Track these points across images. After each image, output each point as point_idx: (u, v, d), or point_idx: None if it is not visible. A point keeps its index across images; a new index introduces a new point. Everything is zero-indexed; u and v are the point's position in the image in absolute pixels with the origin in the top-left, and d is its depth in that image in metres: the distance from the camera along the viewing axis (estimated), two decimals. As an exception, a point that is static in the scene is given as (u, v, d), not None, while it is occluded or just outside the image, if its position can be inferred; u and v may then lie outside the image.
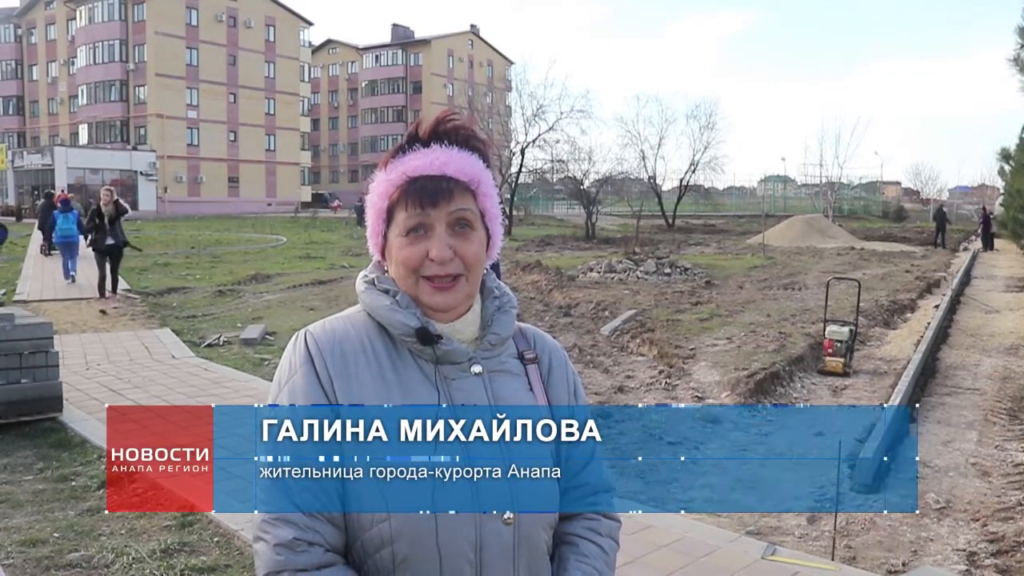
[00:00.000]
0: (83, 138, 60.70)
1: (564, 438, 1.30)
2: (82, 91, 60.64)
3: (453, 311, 1.24)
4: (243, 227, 38.93)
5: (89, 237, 12.74)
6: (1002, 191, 30.20)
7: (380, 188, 1.25)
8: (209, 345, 9.64)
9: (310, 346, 1.20)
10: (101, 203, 12.55)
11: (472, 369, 1.23)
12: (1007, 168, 22.55)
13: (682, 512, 4.84)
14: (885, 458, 5.94)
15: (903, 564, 4.34)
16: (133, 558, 3.76)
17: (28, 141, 67.26)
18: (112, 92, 59.25)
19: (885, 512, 5.05)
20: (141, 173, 55.60)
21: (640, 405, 7.47)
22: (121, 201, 13.14)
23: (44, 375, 6.04)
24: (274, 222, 44.04)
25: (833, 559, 4.16)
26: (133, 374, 7.87)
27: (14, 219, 40.45)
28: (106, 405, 7.15)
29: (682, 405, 7.37)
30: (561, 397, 1.33)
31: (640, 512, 4.61)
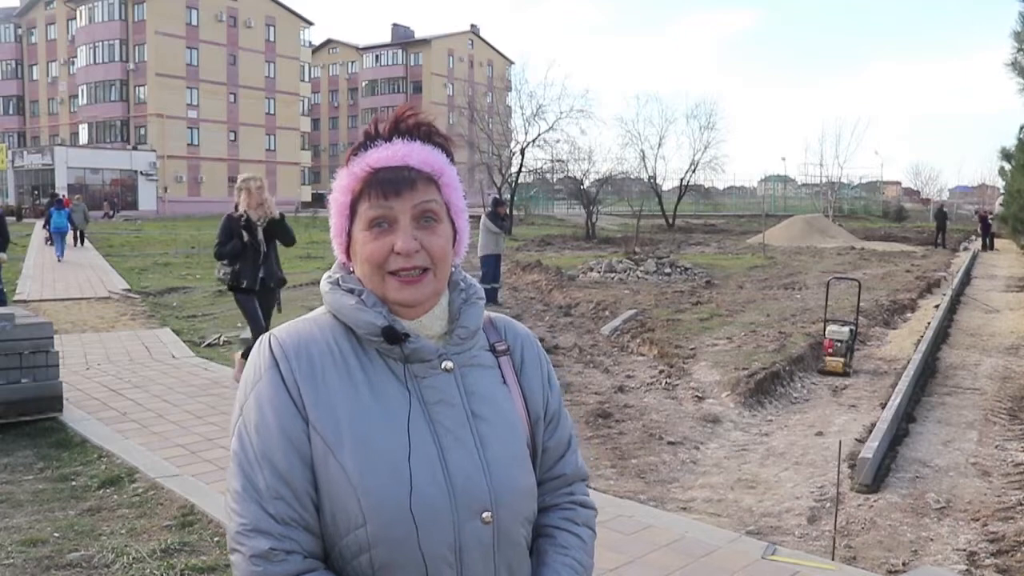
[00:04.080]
0: (83, 138, 60.71)
1: (540, 430, 1.29)
2: (82, 91, 60.65)
3: (420, 307, 1.21)
4: (243, 227, 38.84)
5: (222, 269, 6.91)
6: (1002, 191, 30.20)
7: (342, 183, 1.22)
8: (209, 345, 9.64)
9: (275, 350, 1.16)
10: (244, 204, 6.73)
11: (443, 365, 1.20)
12: (1007, 168, 22.54)
13: (682, 512, 4.84)
14: (885, 458, 5.98)
15: (903, 564, 4.34)
16: (133, 558, 3.75)
17: (28, 141, 67.26)
18: (112, 92, 59.25)
19: (885, 512, 5.05)
20: (141, 173, 55.60)
21: (640, 405, 7.49)
22: (270, 200, 6.90)
23: (44, 375, 6.03)
24: (274, 222, 43.94)
25: (833, 559, 4.16)
26: (133, 374, 7.86)
27: (14, 219, 40.47)
28: (107, 405, 7.15)
29: (682, 405, 7.36)
30: (535, 388, 1.30)
31: (640, 512, 4.62)
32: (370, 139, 1.21)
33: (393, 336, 1.16)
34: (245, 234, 6.72)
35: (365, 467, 1.10)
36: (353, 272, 1.23)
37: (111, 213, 48.49)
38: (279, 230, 6.88)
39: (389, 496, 1.10)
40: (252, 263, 6.80)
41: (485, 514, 1.15)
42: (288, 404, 1.13)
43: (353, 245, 1.21)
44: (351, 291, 1.20)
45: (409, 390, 1.17)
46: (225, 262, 6.83)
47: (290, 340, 1.17)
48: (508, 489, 1.18)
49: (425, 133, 1.22)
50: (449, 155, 1.24)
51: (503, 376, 1.28)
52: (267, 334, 1.21)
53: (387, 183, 1.17)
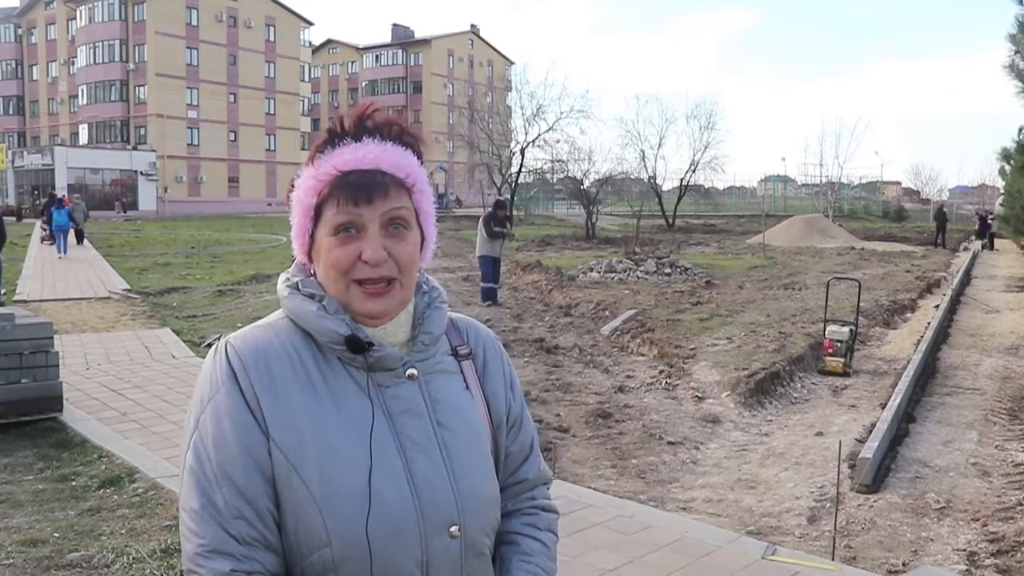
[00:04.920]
0: (83, 138, 60.72)
1: (502, 435, 1.27)
2: (82, 91, 60.65)
3: (388, 317, 1.16)
4: (243, 227, 38.94)
5: None
6: (1002, 191, 30.22)
7: (307, 184, 1.14)
8: (209, 345, 9.64)
9: (232, 360, 1.10)
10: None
11: (407, 373, 1.15)
12: (1007, 168, 22.55)
13: (682, 512, 4.84)
14: (885, 458, 5.99)
15: (903, 564, 4.34)
16: (133, 558, 3.75)
17: (28, 141, 67.27)
18: (112, 92, 59.26)
19: (885, 512, 5.05)
20: (141, 173, 55.60)
21: (640, 405, 7.49)
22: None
23: (44, 375, 6.03)
24: (274, 222, 44.02)
25: (833, 559, 4.16)
26: (133, 374, 7.86)
27: (15, 219, 40.49)
28: (107, 405, 7.14)
29: (682, 405, 7.36)
30: (498, 392, 1.27)
31: (640, 512, 4.62)
32: (336, 137, 1.14)
33: (357, 345, 1.11)
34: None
35: (329, 484, 1.06)
36: (314, 275, 1.18)
37: (122, 213, 48.67)
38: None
39: (355, 514, 1.05)
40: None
41: (453, 528, 1.11)
42: (248, 418, 1.07)
43: (317, 248, 1.15)
44: (311, 296, 1.14)
45: (373, 401, 1.12)
46: None
47: (248, 349, 1.11)
48: (474, 500, 1.15)
49: (396, 133, 1.16)
50: (419, 156, 1.18)
51: (466, 381, 1.24)
52: (223, 341, 1.15)
53: (357, 188, 1.10)
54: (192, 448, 1.10)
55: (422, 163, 1.19)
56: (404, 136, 1.17)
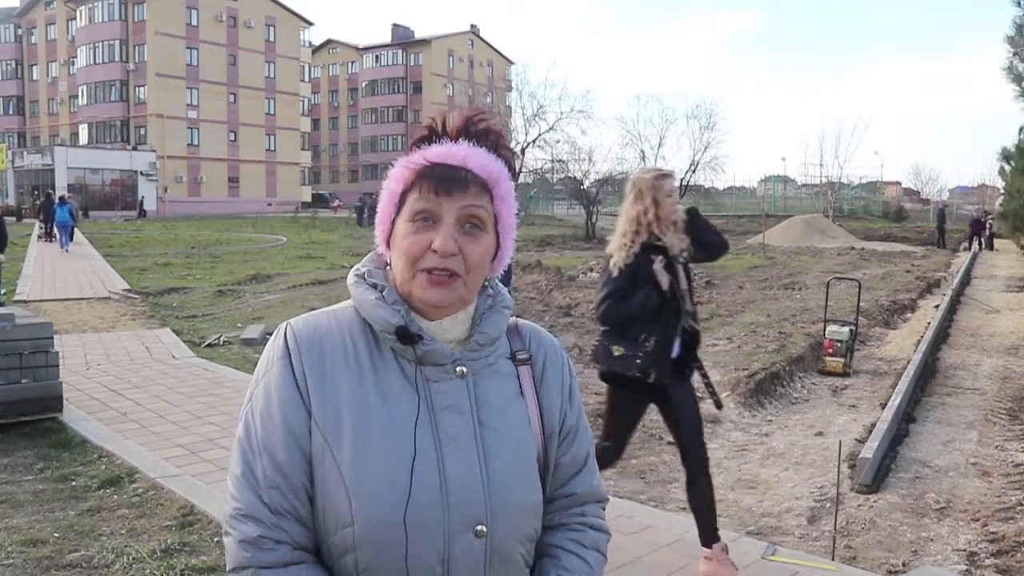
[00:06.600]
0: (83, 138, 60.74)
1: (553, 445, 1.26)
2: (82, 91, 60.67)
3: (444, 311, 1.18)
4: (243, 227, 38.95)
5: (617, 345, 3.50)
6: (1002, 191, 30.25)
7: (398, 172, 1.19)
8: (209, 345, 9.64)
9: (289, 341, 1.16)
10: (650, 220, 3.43)
11: (456, 370, 1.17)
12: (1007, 168, 22.56)
13: (682, 512, 4.83)
14: (885, 458, 5.99)
15: (903, 564, 4.34)
16: (133, 558, 3.75)
17: (28, 141, 67.28)
18: (112, 92, 59.28)
19: (885, 512, 5.05)
20: (141, 173, 55.61)
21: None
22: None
23: (44, 375, 6.03)
24: (274, 222, 44.08)
25: (833, 559, 4.16)
26: (133, 374, 7.86)
27: (15, 219, 40.51)
28: (107, 405, 7.13)
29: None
30: (553, 401, 1.26)
31: (640, 512, 4.62)
32: (435, 135, 1.19)
33: (406, 336, 1.14)
34: (667, 278, 3.43)
35: (360, 469, 1.09)
36: (388, 264, 1.22)
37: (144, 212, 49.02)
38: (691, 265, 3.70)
39: (381, 500, 1.08)
40: (670, 332, 3.51)
41: (479, 527, 1.12)
42: (294, 396, 1.13)
43: (394, 235, 1.19)
44: (374, 286, 1.19)
45: (419, 394, 1.15)
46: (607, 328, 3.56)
47: (305, 332, 1.17)
48: (507, 503, 1.15)
49: (493, 143, 1.20)
50: (511, 170, 1.21)
51: (520, 386, 1.24)
52: (285, 323, 1.20)
53: (440, 179, 1.14)
54: (243, 420, 1.16)
55: (513, 178, 1.22)
56: (500, 147, 1.21)
